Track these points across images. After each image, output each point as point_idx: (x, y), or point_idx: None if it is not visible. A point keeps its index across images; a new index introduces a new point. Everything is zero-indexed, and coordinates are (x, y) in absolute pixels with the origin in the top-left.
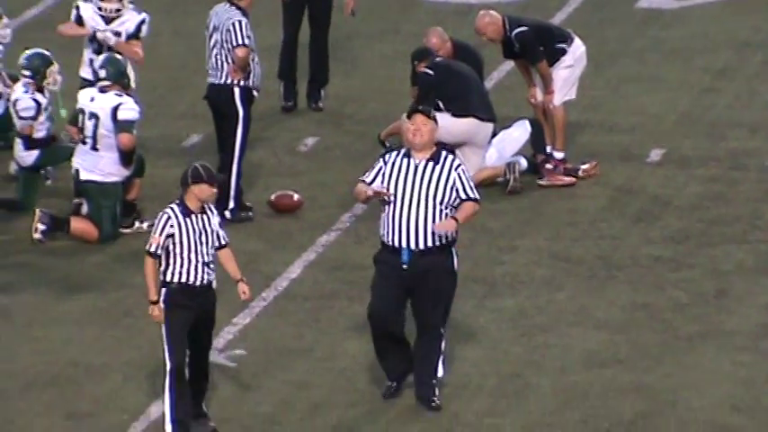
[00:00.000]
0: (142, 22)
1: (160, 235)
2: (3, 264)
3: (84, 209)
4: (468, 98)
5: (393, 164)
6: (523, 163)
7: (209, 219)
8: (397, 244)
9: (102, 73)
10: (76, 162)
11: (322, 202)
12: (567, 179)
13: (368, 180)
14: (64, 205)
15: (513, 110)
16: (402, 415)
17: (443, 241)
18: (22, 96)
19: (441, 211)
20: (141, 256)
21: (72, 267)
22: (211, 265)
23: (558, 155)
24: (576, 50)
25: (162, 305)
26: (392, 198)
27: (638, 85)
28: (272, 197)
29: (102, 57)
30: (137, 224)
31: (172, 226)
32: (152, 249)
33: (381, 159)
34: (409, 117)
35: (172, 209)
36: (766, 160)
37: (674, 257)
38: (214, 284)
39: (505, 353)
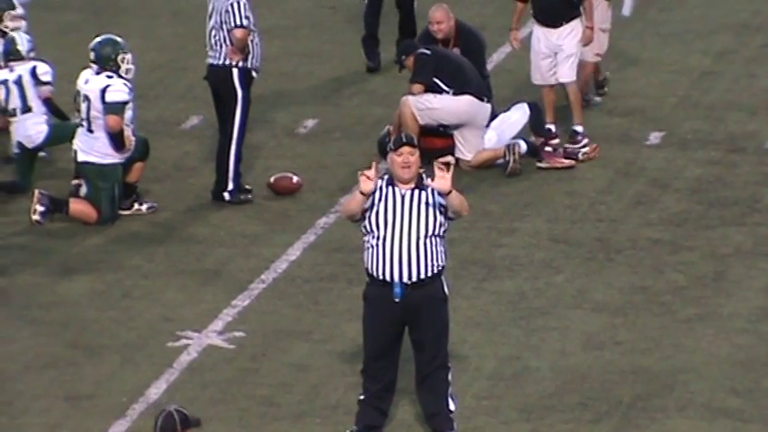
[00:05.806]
0: None
1: None
2: (1, 245)
3: (83, 190)
4: (465, 77)
5: (381, 192)
6: (523, 145)
7: None
8: (387, 278)
9: (91, 55)
10: (75, 143)
11: (321, 184)
12: (567, 162)
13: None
14: (63, 186)
15: (512, 92)
16: (401, 397)
17: (435, 270)
18: (38, 63)
19: (431, 241)
20: (140, 239)
21: (70, 249)
22: None
23: (578, 128)
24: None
25: None
26: (378, 227)
27: (637, 68)
28: (272, 179)
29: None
30: (136, 206)
31: None
32: None
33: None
34: (396, 149)
35: None
36: (765, 143)
37: (673, 240)
38: None
39: (504, 335)
